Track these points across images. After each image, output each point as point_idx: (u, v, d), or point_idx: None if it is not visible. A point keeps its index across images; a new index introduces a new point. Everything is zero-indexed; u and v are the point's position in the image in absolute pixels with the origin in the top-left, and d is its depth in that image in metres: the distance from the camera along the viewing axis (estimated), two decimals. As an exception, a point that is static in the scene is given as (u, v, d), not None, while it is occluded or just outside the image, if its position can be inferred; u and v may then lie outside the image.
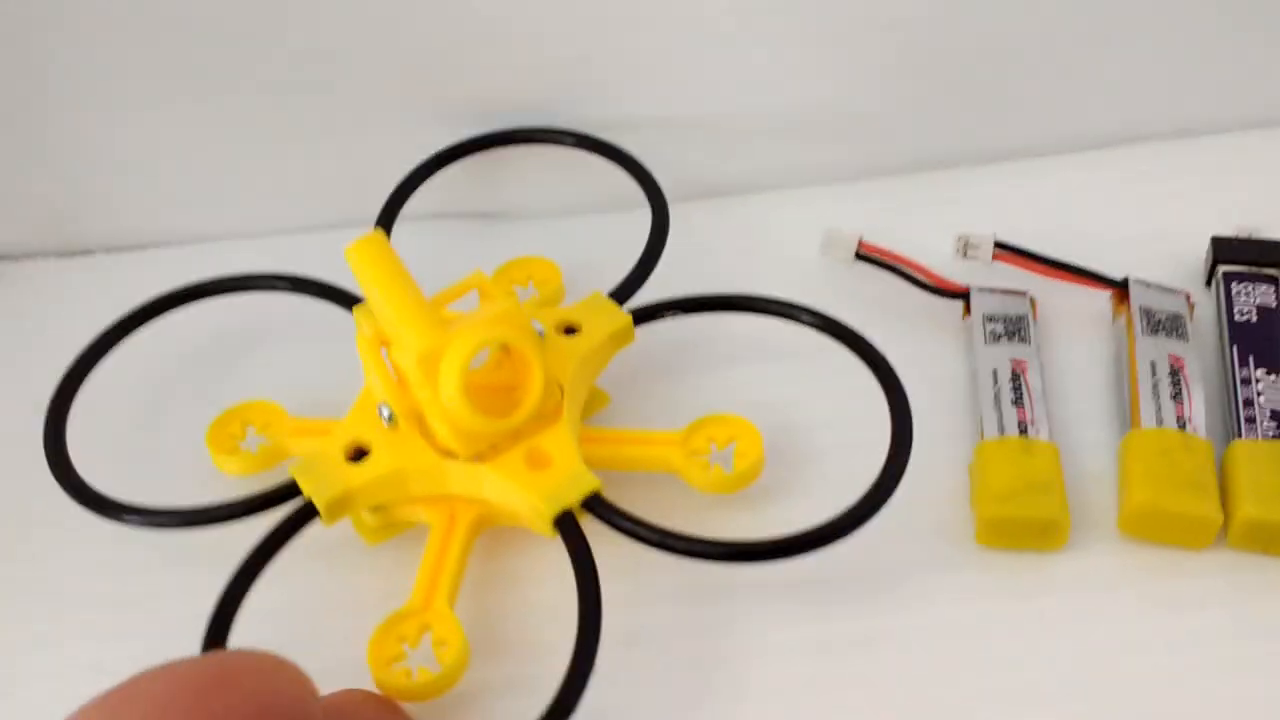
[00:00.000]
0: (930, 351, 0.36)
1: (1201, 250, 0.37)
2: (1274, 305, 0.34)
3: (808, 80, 0.39)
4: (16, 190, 0.40)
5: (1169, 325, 0.34)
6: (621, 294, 0.34)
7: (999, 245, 0.36)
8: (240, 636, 0.28)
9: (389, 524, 0.32)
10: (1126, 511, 0.30)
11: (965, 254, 0.36)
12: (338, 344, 0.33)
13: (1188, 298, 0.35)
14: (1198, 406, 0.31)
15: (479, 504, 0.31)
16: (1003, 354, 0.33)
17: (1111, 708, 0.28)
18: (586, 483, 0.30)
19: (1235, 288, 0.35)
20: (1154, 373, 0.32)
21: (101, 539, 0.32)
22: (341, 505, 0.30)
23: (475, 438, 0.30)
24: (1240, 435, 0.31)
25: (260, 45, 0.37)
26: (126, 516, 0.31)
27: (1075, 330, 0.36)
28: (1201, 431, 0.31)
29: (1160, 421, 0.31)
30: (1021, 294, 0.35)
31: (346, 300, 0.35)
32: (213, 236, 0.41)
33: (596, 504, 0.29)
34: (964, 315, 0.36)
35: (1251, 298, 0.34)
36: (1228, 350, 0.33)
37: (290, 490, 0.30)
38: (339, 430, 0.31)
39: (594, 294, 0.34)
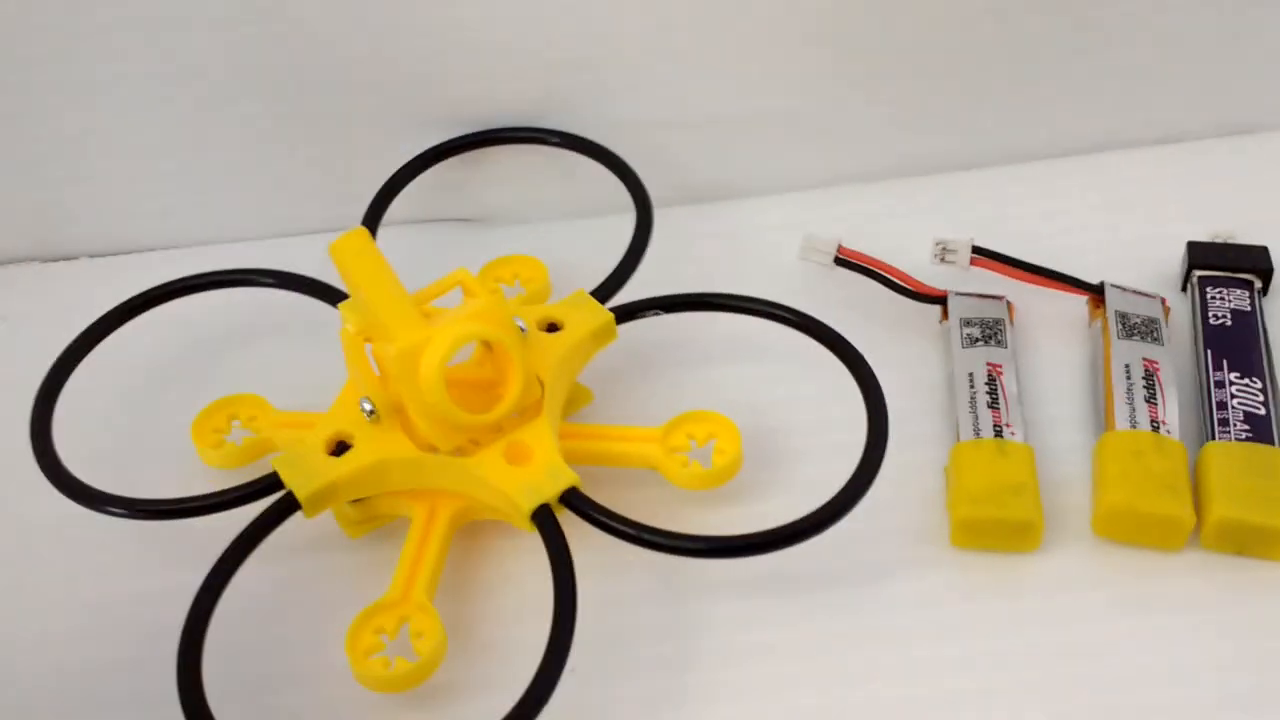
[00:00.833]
0: (908, 355, 0.36)
1: (1177, 255, 0.37)
2: (1248, 309, 0.34)
3: (790, 86, 0.39)
4: (0, 195, 0.40)
5: (1144, 329, 0.34)
6: (604, 292, 0.34)
7: (976, 250, 0.36)
8: (220, 627, 0.28)
9: (370, 517, 0.33)
10: (1100, 513, 0.30)
11: (943, 259, 0.36)
12: (323, 339, 0.33)
13: (1163, 302, 0.35)
14: (1172, 409, 0.32)
15: (459, 497, 0.31)
16: (979, 357, 0.34)
17: (1086, 708, 0.28)
18: (565, 478, 0.30)
19: (1210, 292, 0.35)
20: (1129, 376, 0.33)
21: (87, 531, 0.32)
22: (323, 498, 0.30)
23: (455, 432, 0.30)
24: (1213, 437, 0.31)
25: (245, 50, 0.37)
26: (110, 508, 0.31)
27: (1052, 334, 0.36)
28: (1175, 434, 0.31)
29: (1134, 424, 0.31)
30: (999, 299, 0.36)
31: (332, 296, 0.35)
32: (197, 241, 0.41)
33: (574, 499, 0.30)
34: (942, 319, 0.36)
35: (1226, 302, 0.35)
36: (1202, 354, 0.34)
37: (273, 482, 0.31)
38: (322, 422, 0.31)
39: (577, 291, 0.34)
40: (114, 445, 0.35)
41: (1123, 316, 0.34)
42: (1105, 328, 0.34)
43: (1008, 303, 0.36)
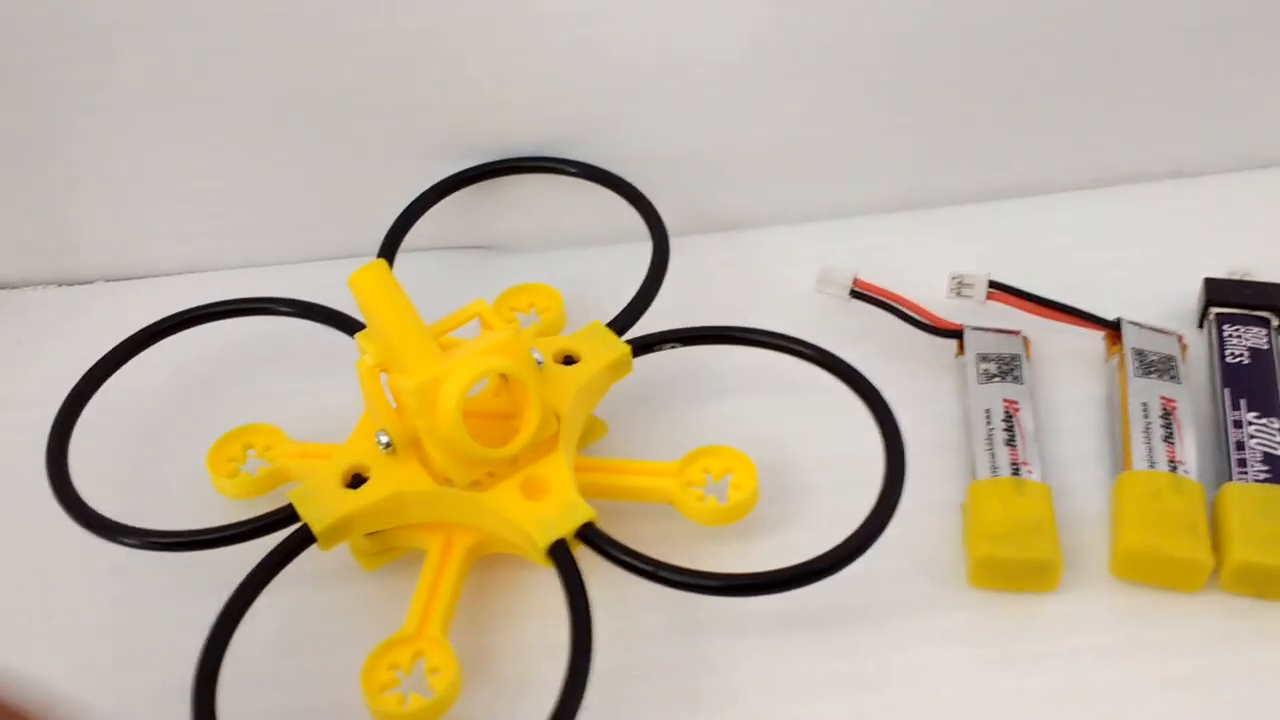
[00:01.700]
0: (924, 389, 0.36)
1: (1194, 291, 0.37)
2: (1266, 347, 0.34)
3: (807, 117, 0.39)
4: (18, 219, 0.40)
5: (1161, 367, 0.34)
6: (620, 324, 0.34)
7: (993, 285, 0.36)
8: (235, 659, 0.28)
9: (385, 549, 0.33)
10: (1118, 554, 0.30)
11: (959, 293, 0.36)
12: (339, 368, 0.33)
13: (1180, 339, 0.35)
14: (1189, 449, 0.32)
15: (475, 531, 0.31)
16: (996, 394, 0.34)
17: (1102, 749, 0.28)
18: (581, 513, 0.30)
19: (1227, 330, 0.35)
20: (1146, 414, 0.33)
21: (102, 561, 0.32)
22: (338, 531, 0.30)
23: (472, 466, 0.30)
24: (1231, 478, 0.31)
25: (264, 78, 0.37)
26: (125, 539, 0.31)
27: (1068, 369, 0.36)
28: (1193, 474, 0.31)
29: (1152, 463, 0.31)
30: (1015, 333, 0.36)
31: (349, 326, 0.35)
32: (212, 266, 0.41)
33: (591, 534, 0.30)
34: (958, 354, 0.36)
35: (1243, 340, 0.35)
36: (1219, 392, 0.34)
37: (289, 515, 0.31)
38: (338, 455, 0.31)
39: (593, 324, 0.34)
40: (129, 474, 0.35)
41: (1140, 354, 0.34)
42: (1122, 364, 0.34)
43: (1024, 338, 0.36)
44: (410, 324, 0.30)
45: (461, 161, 0.39)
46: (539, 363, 0.32)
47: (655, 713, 0.29)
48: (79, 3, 0.35)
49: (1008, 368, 0.34)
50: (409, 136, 0.39)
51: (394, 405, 0.31)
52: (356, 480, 0.31)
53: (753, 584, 0.29)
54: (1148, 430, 0.32)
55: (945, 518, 0.32)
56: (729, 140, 0.39)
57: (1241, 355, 0.34)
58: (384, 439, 0.31)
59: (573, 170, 0.39)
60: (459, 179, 0.39)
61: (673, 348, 0.34)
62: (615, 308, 0.35)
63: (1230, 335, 0.35)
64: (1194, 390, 0.34)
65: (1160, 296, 0.37)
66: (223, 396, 0.37)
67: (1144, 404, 0.33)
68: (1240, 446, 0.32)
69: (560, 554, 0.29)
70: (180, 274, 0.41)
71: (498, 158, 0.39)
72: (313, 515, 0.30)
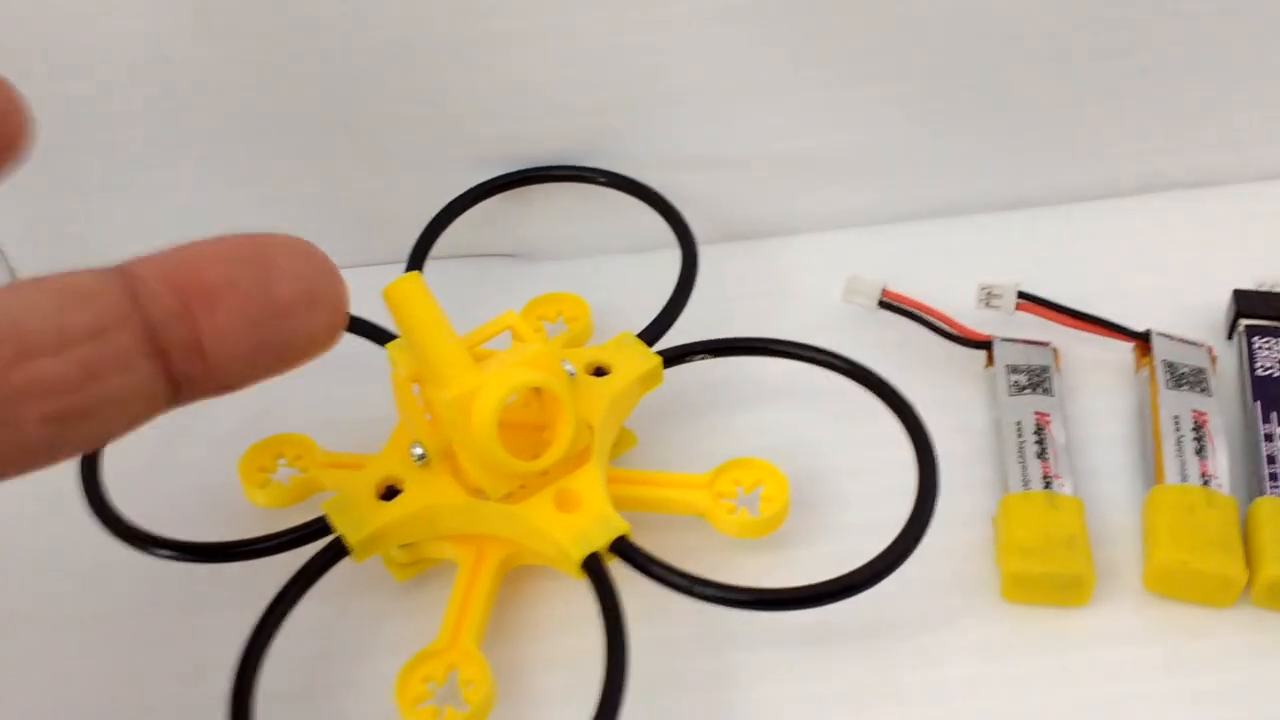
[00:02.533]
0: (953, 399, 0.36)
1: (1223, 302, 0.37)
2: (1296, 361, 0.34)
3: (835, 125, 0.39)
4: (25, 224, 0.40)
5: (1192, 379, 0.34)
6: (650, 335, 0.34)
7: (1022, 295, 0.36)
8: (270, 670, 0.28)
9: (417, 560, 0.33)
10: (1151, 569, 0.30)
11: (988, 303, 0.36)
12: (369, 378, 0.33)
13: (1210, 351, 0.35)
14: (1222, 462, 0.32)
15: (507, 543, 0.31)
16: (1026, 406, 0.34)
17: (1135, 765, 0.28)
18: (615, 526, 0.30)
19: (1257, 342, 0.35)
20: (1178, 427, 0.32)
21: (135, 571, 0.32)
22: (373, 543, 0.30)
23: (506, 479, 0.30)
24: (1264, 492, 0.31)
25: (285, 85, 0.37)
26: (159, 550, 0.31)
27: (1098, 380, 0.36)
28: (1226, 488, 0.31)
29: (1185, 477, 0.31)
30: (1044, 344, 0.36)
31: (379, 336, 0.35)
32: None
33: (625, 547, 0.30)
34: (987, 364, 0.36)
35: (1274, 352, 0.35)
36: (1250, 406, 0.33)
37: (322, 526, 0.31)
38: (372, 466, 0.31)
39: (623, 334, 0.34)
40: (160, 483, 0.35)
41: (1170, 366, 0.34)
42: (1153, 377, 0.34)
43: (1054, 349, 0.36)
44: (445, 337, 0.30)
45: (485, 170, 0.39)
46: (571, 374, 0.32)
47: (685, 725, 0.29)
48: (89, 8, 0.35)
49: (1038, 379, 0.34)
50: (434, 145, 0.39)
51: (428, 417, 0.31)
52: (390, 492, 0.31)
53: (784, 599, 0.29)
54: (1179, 444, 0.32)
55: (976, 530, 0.32)
56: (754, 149, 0.39)
57: (1272, 368, 0.34)
58: (418, 451, 0.31)
59: (602, 180, 0.39)
60: (488, 187, 0.39)
61: (704, 358, 0.34)
62: (640, 316, 0.35)
63: (1260, 348, 0.35)
64: (1225, 403, 0.34)
65: (1189, 307, 0.37)
66: (253, 406, 0.37)
67: (1175, 417, 0.33)
68: (1272, 460, 0.32)
69: (594, 567, 0.29)
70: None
71: (516, 167, 0.39)
72: (347, 527, 0.30)
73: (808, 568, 0.32)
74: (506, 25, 0.36)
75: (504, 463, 0.29)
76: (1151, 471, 0.32)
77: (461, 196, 0.39)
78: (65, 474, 0.32)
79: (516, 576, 0.32)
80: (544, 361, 0.30)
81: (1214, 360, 0.35)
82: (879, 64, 0.38)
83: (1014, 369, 0.35)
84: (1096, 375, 0.36)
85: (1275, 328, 0.35)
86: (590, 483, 0.30)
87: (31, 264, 0.41)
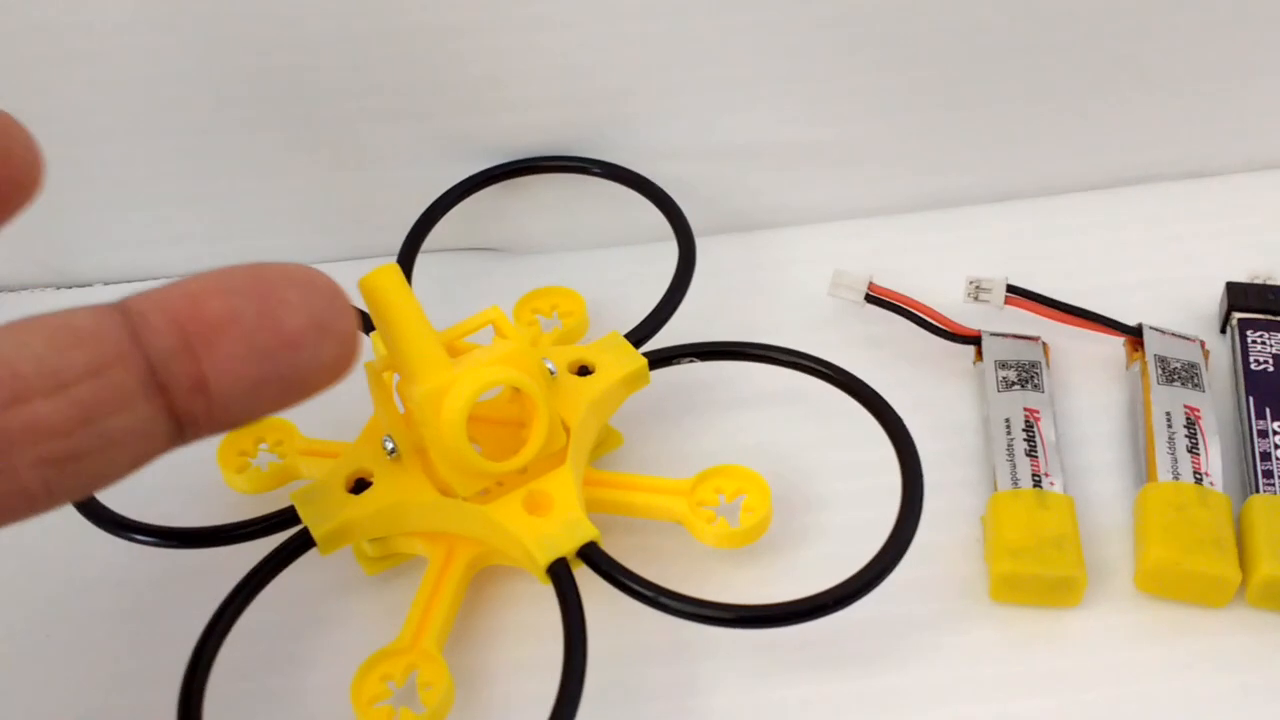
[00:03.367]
0: (942, 396, 0.35)
1: (1216, 294, 0.36)
2: (1290, 355, 0.34)
3: (824, 117, 0.38)
4: (15, 222, 0.39)
5: (1184, 374, 0.33)
6: (640, 335, 0.34)
7: (1011, 289, 0.35)
8: (228, 657, 0.28)
9: (388, 555, 0.32)
10: (1143, 569, 0.30)
11: (976, 298, 0.36)
12: (359, 368, 0.32)
13: (1202, 345, 0.34)
14: (1215, 459, 0.31)
15: (477, 542, 0.31)
16: (1015, 402, 0.33)
17: (1127, 769, 0.27)
18: (584, 532, 0.29)
19: (1251, 335, 0.34)
20: (1170, 424, 0.32)
21: (110, 555, 0.32)
22: (339, 536, 0.30)
23: (474, 478, 0.30)
24: (1258, 490, 0.31)
25: (273, 78, 0.36)
26: (136, 536, 0.30)
27: (1088, 375, 0.35)
28: (1219, 485, 0.31)
29: (1177, 475, 0.31)
30: (1034, 339, 0.35)
31: (367, 324, 0.34)
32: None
33: (593, 555, 0.29)
34: (976, 360, 0.35)
35: (1268, 346, 0.34)
36: (1244, 401, 0.33)
37: (291, 516, 0.30)
38: (344, 457, 0.31)
39: (611, 334, 0.33)
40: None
41: (1162, 361, 0.33)
42: (1144, 372, 0.33)
43: (1044, 344, 0.35)
44: (419, 330, 0.29)
45: (477, 162, 0.38)
46: (553, 372, 0.31)
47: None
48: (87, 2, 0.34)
49: (1027, 375, 0.34)
50: (425, 137, 0.38)
51: (402, 410, 0.30)
52: (360, 485, 0.30)
53: (760, 616, 0.28)
54: (1172, 441, 0.31)
55: (964, 530, 0.32)
56: (745, 141, 0.39)
57: (1266, 362, 0.34)
58: (389, 444, 0.30)
59: (597, 171, 0.38)
60: (481, 179, 0.38)
61: (690, 362, 0.33)
62: (634, 309, 0.34)
63: (1254, 341, 0.34)
64: (1218, 398, 0.33)
65: (1181, 300, 0.37)
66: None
67: (1167, 413, 0.32)
68: (1266, 457, 0.31)
69: (560, 573, 0.29)
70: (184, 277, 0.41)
71: (510, 158, 0.38)
72: (314, 519, 0.30)
73: (791, 575, 0.31)
74: (499, 15, 0.35)
75: (472, 461, 0.29)
76: (1143, 469, 0.32)
77: (454, 188, 0.38)
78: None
79: (485, 581, 0.32)
80: (520, 359, 0.29)
81: (1206, 354, 0.34)
82: (869, 56, 0.37)
83: (1003, 364, 0.34)
84: (1087, 371, 0.35)
85: (1269, 321, 0.35)
86: (563, 485, 0.30)
87: (11, 263, 0.41)
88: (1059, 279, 0.36)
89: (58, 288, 0.41)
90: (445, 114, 0.37)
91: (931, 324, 0.35)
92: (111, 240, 0.40)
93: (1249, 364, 0.34)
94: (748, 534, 0.31)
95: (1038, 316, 0.35)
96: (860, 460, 0.32)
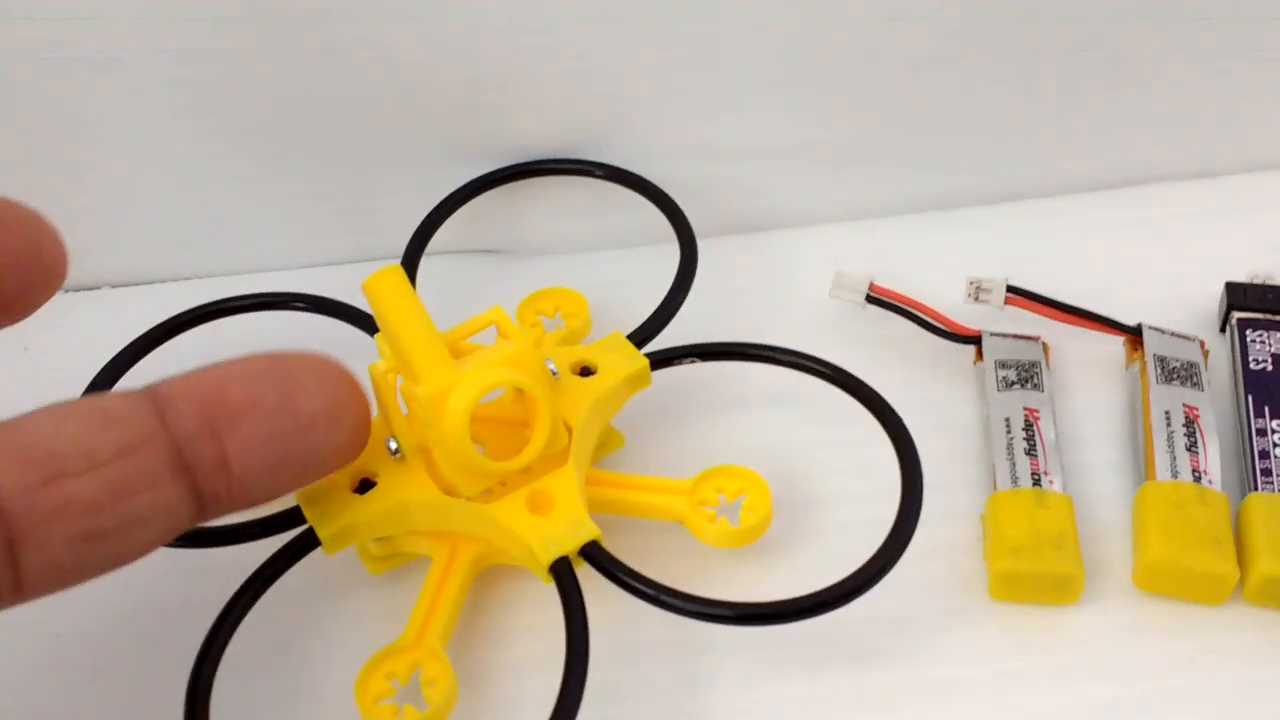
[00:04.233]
0: (942, 395, 0.35)
1: (1215, 294, 0.37)
2: (1289, 354, 0.34)
3: (824, 118, 0.38)
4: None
5: (1183, 374, 0.33)
6: (643, 335, 0.34)
7: (1011, 289, 0.36)
8: (234, 655, 0.28)
9: (393, 554, 0.32)
10: (1142, 567, 0.30)
11: (977, 298, 0.36)
12: (357, 366, 0.33)
13: (1202, 345, 0.34)
14: (1213, 458, 0.31)
15: (480, 541, 0.31)
16: (1015, 401, 0.33)
17: (1126, 766, 0.28)
18: (586, 531, 0.29)
19: (1250, 335, 0.34)
20: (1169, 423, 0.32)
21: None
22: (344, 536, 0.30)
23: (477, 478, 0.30)
24: (1256, 488, 0.31)
25: (275, 83, 0.36)
26: None
27: (1088, 375, 0.35)
28: (1217, 484, 0.31)
29: (1175, 474, 0.31)
30: (1034, 339, 0.35)
31: (368, 324, 0.34)
32: (222, 272, 0.41)
33: (595, 553, 0.29)
34: (976, 359, 0.35)
35: (1267, 346, 0.34)
36: (1243, 400, 0.33)
37: (296, 515, 0.30)
38: None
39: (613, 335, 0.33)
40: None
41: (1162, 360, 0.34)
42: (1144, 371, 0.34)
43: (1044, 344, 0.35)
44: (422, 331, 0.29)
45: (478, 165, 0.39)
46: (554, 373, 0.32)
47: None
48: (84, 9, 0.35)
49: (1027, 375, 0.34)
50: (430, 140, 0.38)
51: (405, 412, 0.30)
52: (364, 485, 0.31)
53: (760, 614, 0.28)
54: (1170, 440, 0.32)
55: (963, 528, 0.32)
56: (746, 143, 0.39)
57: (1265, 362, 0.34)
58: (393, 445, 0.30)
59: (600, 173, 0.38)
60: (484, 182, 0.39)
61: (692, 363, 0.33)
62: (636, 310, 0.35)
63: (1253, 341, 0.34)
64: (1217, 397, 0.33)
65: (1180, 300, 0.37)
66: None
67: (1166, 412, 0.32)
68: (1264, 455, 0.31)
69: (562, 572, 0.29)
70: (189, 279, 0.41)
71: (513, 161, 0.39)
72: (319, 519, 0.30)
73: (791, 573, 0.31)
74: (501, 19, 0.35)
75: (475, 462, 0.29)
76: (1142, 468, 0.32)
77: (458, 191, 0.38)
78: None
79: (488, 580, 0.32)
80: (523, 360, 0.30)
81: (1206, 354, 0.34)
82: (868, 57, 0.37)
83: (1003, 364, 0.34)
84: (1087, 370, 0.36)
85: (1268, 321, 0.35)
86: (565, 485, 0.30)
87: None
88: (1059, 279, 0.36)
89: (65, 290, 0.41)
90: (449, 118, 0.38)
91: (932, 324, 0.36)
92: (119, 243, 0.40)
93: (1248, 363, 0.34)
94: (748, 533, 0.31)
95: (1038, 316, 0.36)
96: (860, 460, 0.33)
